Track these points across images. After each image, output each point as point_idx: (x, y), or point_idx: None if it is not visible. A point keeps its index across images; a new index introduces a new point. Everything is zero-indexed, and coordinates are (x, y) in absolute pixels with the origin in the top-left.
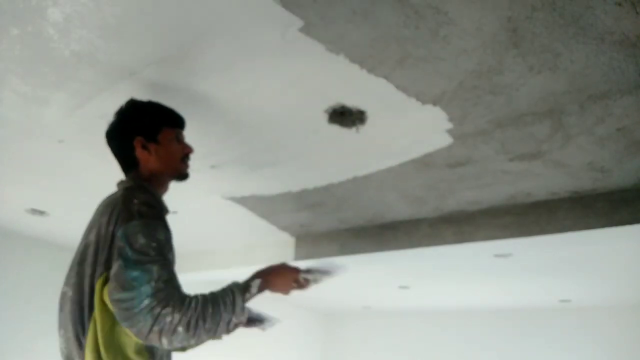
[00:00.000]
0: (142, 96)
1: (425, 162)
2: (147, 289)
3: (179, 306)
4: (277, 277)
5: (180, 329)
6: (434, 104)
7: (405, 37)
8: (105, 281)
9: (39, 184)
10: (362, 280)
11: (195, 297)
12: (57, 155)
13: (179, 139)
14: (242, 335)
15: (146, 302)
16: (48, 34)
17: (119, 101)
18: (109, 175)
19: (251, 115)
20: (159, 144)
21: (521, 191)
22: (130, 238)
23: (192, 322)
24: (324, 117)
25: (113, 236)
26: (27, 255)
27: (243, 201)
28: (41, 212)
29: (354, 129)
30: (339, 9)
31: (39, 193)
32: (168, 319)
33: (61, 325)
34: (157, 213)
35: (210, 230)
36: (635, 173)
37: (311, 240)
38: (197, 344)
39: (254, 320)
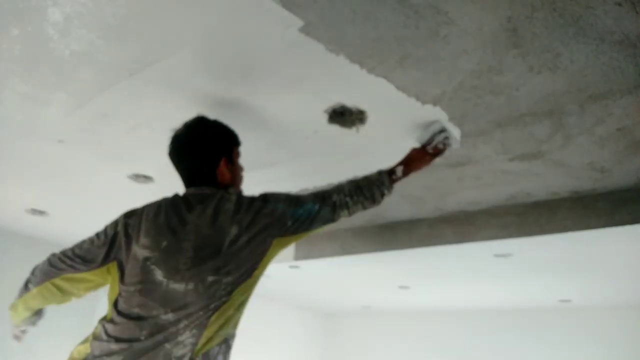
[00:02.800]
0: (142, 95)
1: None
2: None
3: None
4: (413, 161)
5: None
6: (434, 104)
7: (405, 37)
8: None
9: (39, 184)
10: (362, 280)
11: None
12: (57, 155)
13: (239, 158)
14: (242, 335)
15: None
16: (48, 34)
17: (119, 101)
18: (109, 175)
19: (251, 114)
20: (234, 165)
21: (521, 191)
22: (281, 197)
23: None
24: (324, 117)
25: (259, 213)
26: (27, 255)
27: None
28: (41, 212)
29: (354, 129)
30: (339, 9)
31: (39, 193)
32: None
33: (171, 268)
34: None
35: None
36: (635, 173)
37: (311, 240)
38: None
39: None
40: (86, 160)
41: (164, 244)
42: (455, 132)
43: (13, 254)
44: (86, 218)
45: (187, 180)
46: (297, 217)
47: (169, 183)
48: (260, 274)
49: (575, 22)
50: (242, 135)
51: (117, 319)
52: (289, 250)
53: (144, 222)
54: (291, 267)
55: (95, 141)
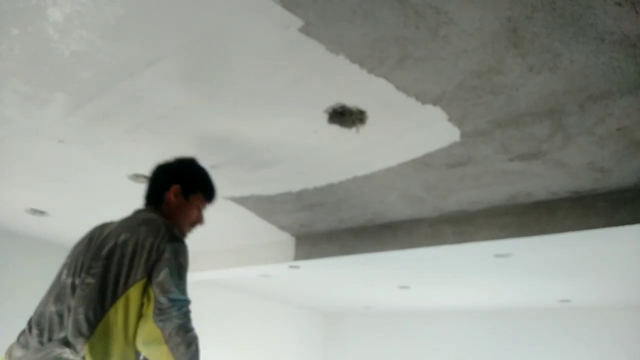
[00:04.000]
0: (142, 95)
1: (425, 162)
2: (186, 298)
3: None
4: None
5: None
6: (434, 104)
7: (405, 37)
8: (144, 284)
9: (39, 184)
10: (362, 280)
11: None
12: (57, 155)
13: (200, 208)
14: (243, 335)
15: (185, 308)
16: (48, 34)
17: (119, 101)
18: (109, 175)
19: (251, 115)
20: (187, 201)
21: (521, 191)
22: (178, 255)
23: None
24: (324, 117)
25: (156, 249)
26: (27, 255)
27: (243, 201)
28: (41, 212)
29: (354, 129)
30: (339, 9)
31: (39, 193)
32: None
33: (62, 301)
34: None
35: (210, 230)
36: (635, 173)
37: (311, 240)
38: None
39: None
40: (86, 160)
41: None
42: None
43: (13, 254)
44: (86, 218)
45: (146, 195)
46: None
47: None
48: None
49: (575, 22)
50: (242, 136)
51: None
52: (289, 250)
53: None
54: (291, 267)
55: (95, 141)
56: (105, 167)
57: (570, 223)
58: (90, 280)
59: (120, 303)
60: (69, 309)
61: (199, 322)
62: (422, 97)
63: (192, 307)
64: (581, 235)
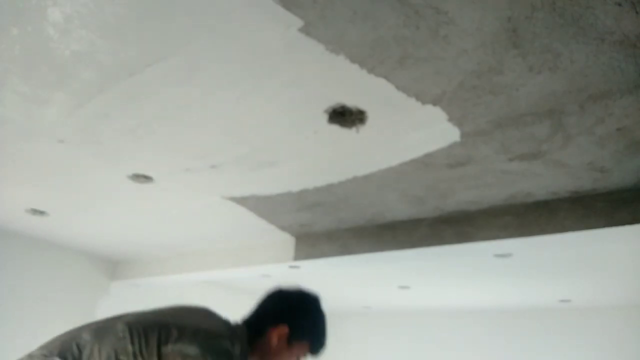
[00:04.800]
0: (142, 95)
1: (425, 162)
2: None
3: None
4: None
5: None
6: (434, 104)
7: (405, 37)
8: None
9: (39, 184)
10: (362, 280)
11: None
12: (57, 155)
13: (298, 358)
14: None
15: None
16: (48, 34)
17: (119, 101)
18: (109, 175)
19: (251, 115)
20: (289, 347)
21: (521, 191)
22: None
23: None
24: (324, 117)
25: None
26: (27, 255)
27: (243, 201)
28: (41, 212)
29: (354, 129)
30: (339, 9)
31: (39, 193)
32: None
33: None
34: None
35: (211, 230)
36: (635, 173)
37: (311, 240)
38: None
39: None
40: (86, 160)
41: None
42: None
43: (13, 254)
44: (86, 218)
45: (248, 322)
46: None
47: (169, 183)
48: None
49: (575, 22)
50: (242, 135)
51: None
52: (289, 250)
53: None
54: (291, 267)
55: (95, 141)
56: (105, 167)
57: (570, 223)
58: None
59: None
60: None
61: None
62: (422, 97)
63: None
64: (581, 235)
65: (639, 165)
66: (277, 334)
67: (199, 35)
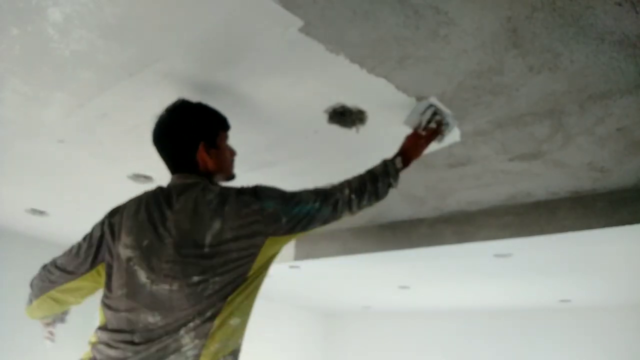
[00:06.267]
0: (142, 95)
1: (425, 162)
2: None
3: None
4: (409, 150)
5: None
6: None
7: (405, 37)
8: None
9: (39, 184)
10: (362, 280)
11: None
12: (57, 155)
13: (227, 143)
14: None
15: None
16: (48, 34)
17: (119, 101)
18: (109, 175)
19: (251, 115)
20: (217, 149)
21: (521, 191)
22: (275, 193)
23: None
24: (324, 117)
25: (248, 207)
26: (27, 255)
27: None
28: (41, 212)
29: (354, 129)
30: (339, 9)
31: (39, 193)
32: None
33: (153, 268)
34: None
35: None
36: (635, 173)
37: (311, 240)
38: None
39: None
40: (86, 160)
41: (145, 242)
42: (447, 111)
43: (13, 254)
44: (86, 218)
45: (171, 167)
46: (294, 216)
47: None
48: (257, 277)
49: (575, 22)
50: (242, 135)
51: (109, 325)
52: (289, 250)
53: (125, 219)
54: (291, 267)
55: (95, 141)
56: (105, 167)
57: (570, 223)
58: None
59: None
60: None
61: None
62: (422, 97)
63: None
64: (581, 235)
65: (639, 165)
66: (202, 155)
67: (198, 35)
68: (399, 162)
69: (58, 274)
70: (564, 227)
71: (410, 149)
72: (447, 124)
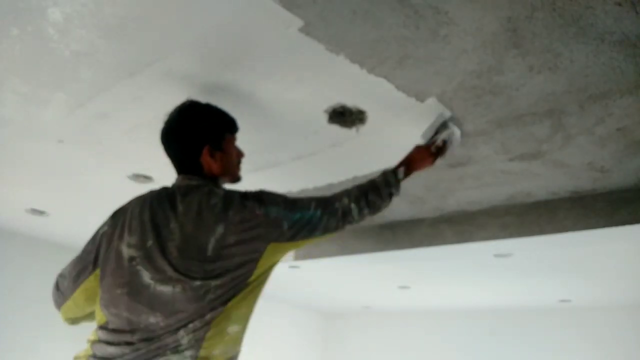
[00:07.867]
0: (142, 95)
1: None
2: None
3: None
4: (415, 161)
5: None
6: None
7: (405, 37)
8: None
9: (38, 184)
10: (362, 280)
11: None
12: (57, 155)
13: (235, 145)
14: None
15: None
16: (48, 34)
17: (119, 101)
18: (109, 175)
19: (251, 115)
20: (223, 152)
21: (521, 191)
22: (278, 199)
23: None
24: (324, 117)
25: (251, 212)
26: (27, 255)
27: None
28: (41, 212)
29: (354, 129)
30: (339, 9)
31: (39, 193)
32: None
33: (157, 269)
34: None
35: None
36: (635, 173)
37: None
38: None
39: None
40: (86, 160)
41: (149, 242)
42: (457, 130)
43: (13, 254)
44: (86, 218)
45: (177, 168)
46: (295, 222)
47: (170, 183)
48: (259, 283)
49: (575, 22)
50: (242, 136)
51: (110, 324)
52: None
53: (130, 218)
54: (291, 267)
55: (95, 141)
56: (105, 167)
57: (570, 223)
58: None
59: None
60: None
61: None
62: (422, 97)
63: None
64: (581, 235)
65: (639, 165)
66: (207, 157)
67: (198, 35)
68: (400, 173)
69: (66, 284)
70: (564, 227)
71: (416, 162)
72: (451, 143)
